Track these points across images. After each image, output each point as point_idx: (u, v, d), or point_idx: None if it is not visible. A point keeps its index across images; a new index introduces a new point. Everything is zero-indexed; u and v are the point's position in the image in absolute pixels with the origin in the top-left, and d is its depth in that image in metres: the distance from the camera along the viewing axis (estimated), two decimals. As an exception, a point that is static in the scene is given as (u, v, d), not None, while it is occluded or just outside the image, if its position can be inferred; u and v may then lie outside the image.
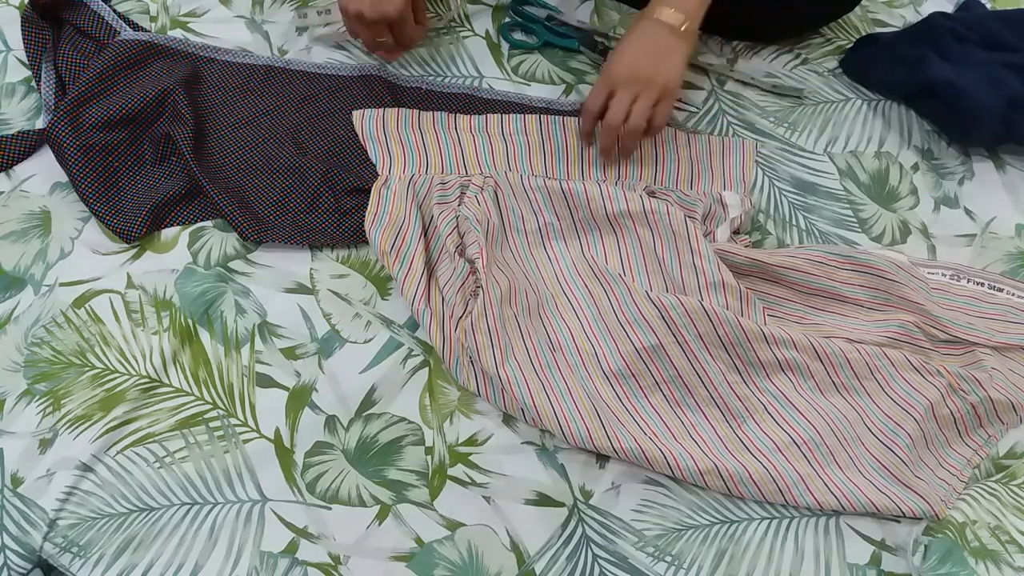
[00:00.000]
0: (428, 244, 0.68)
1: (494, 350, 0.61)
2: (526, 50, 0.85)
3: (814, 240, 0.74)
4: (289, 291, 0.67)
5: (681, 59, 0.72)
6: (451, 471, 0.61)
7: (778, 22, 0.87)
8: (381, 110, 0.75)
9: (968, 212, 0.79)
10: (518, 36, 0.86)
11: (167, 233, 0.70)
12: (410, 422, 0.62)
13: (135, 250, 0.68)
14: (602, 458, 0.62)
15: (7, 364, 0.62)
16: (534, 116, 0.76)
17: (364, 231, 0.69)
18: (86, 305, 0.65)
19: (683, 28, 0.71)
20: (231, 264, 0.68)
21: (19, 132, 0.72)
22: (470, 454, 0.62)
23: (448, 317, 0.64)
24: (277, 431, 0.61)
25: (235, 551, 0.57)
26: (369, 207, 0.69)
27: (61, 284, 0.66)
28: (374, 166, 0.73)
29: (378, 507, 0.59)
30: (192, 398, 0.62)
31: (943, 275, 0.71)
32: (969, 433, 0.65)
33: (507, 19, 0.86)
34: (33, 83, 0.77)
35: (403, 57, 0.82)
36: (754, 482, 0.59)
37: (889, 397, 0.63)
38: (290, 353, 0.64)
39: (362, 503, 0.59)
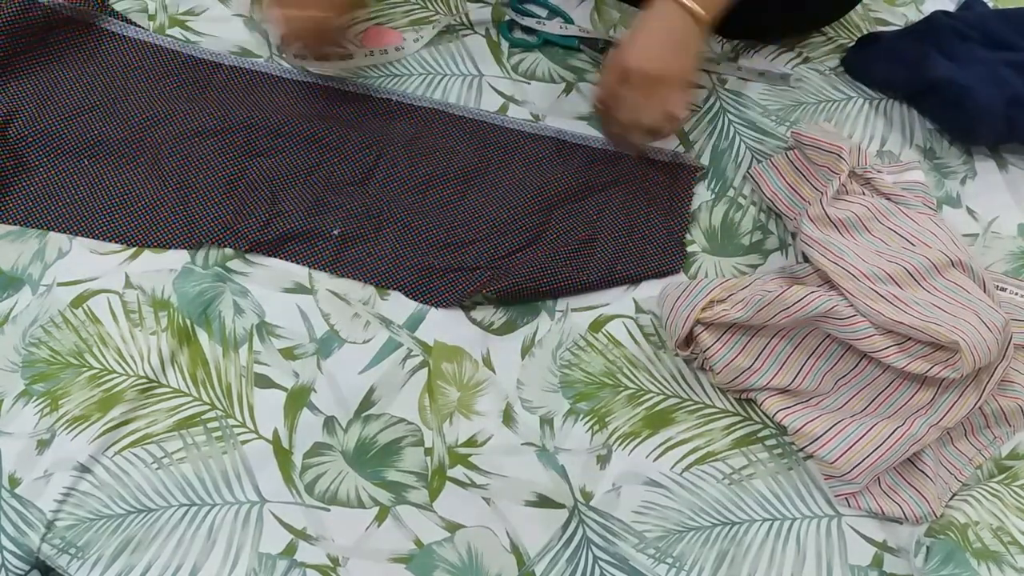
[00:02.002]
0: None
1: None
2: (526, 48, 0.85)
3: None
4: (287, 291, 0.67)
5: (697, 50, 0.70)
6: (451, 472, 0.61)
7: (779, 21, 0.86)
8: None
9: (970, 211, 0.78)
10: (518, 34, 0.86)
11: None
12: (409, 423, 0.62)
13: (133, 250, 0.68)
14: (602, 459, 0.62)
15: (5, 364, 0.62)
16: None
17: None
18: (84, 305, 0.64)
19: (704, 17, 0.68)
20: (229, 264, 0.68)
21: None
22: (470, 455, 0.61)
23: None
24: (275, 432, 0.61)
25: (233, 552, 0.56)
26: None
27: (59, 284, 0.65)
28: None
29: (377, 508, 0.59)
30: (190, 399, 0.62)
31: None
32: (974, 433, 0.65)
33: (507, 18, 0.86)
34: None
35: (402, 55, 0.82)
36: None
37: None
38: (288, 353, 0.64)
39: (361, 504, 0.59)
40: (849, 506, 0.61)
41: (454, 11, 0.86)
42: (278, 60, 0.80)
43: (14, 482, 0.57)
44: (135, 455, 0.59)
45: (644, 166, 0.76)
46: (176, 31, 0.80)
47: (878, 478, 0.61)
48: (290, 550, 0.57)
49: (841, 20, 0.92)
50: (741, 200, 0.77)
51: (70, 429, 0.59)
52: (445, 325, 0.67)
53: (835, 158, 0.71)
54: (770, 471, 0.63)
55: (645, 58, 0.68)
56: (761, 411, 0.65)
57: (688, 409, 0.65)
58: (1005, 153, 0.83)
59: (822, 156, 0.72)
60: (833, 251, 0.65)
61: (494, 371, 0.65)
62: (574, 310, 0.69)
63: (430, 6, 0.86)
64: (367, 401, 0.63)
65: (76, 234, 0.68)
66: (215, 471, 0.59)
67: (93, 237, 0.68)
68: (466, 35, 0.84)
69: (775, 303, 0.61)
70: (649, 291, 0.70)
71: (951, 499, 0.62)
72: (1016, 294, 0.70)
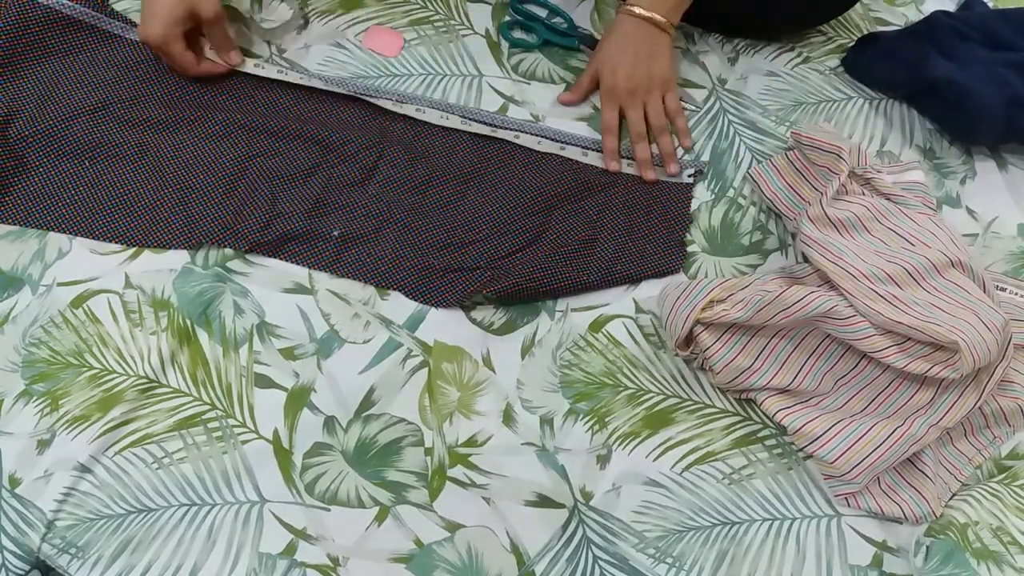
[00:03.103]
0: None
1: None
2: (526, 49, 0.85)
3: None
4: (288, 291, 0.67)
5: (669, 51, 0.76)
6: (451, 472, 0.61)
7: (779, 20, 0.86)
8: None
9: (970, 211, 0.78)
10: (518, 35, 0.86)
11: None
12: (409, 423, 0.62)
13: (133, 250, 0.68)
14: (602, 459, 0.62)
15: (5, 364, 0.62)
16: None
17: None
18: (84, 305, 0.65)
19: (665, 22, 0.74)
20: (229, 264, 0.68)
21: None
22: (470, 455, 0.61)
23: None
24: (276, 432, 0.61)
25: (234, 552, 0.56)
26: None
27: (59, 284, 0.65)
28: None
29: (377, 508, 0.59)
30: (190, 399, 0.62)
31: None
32: (974, 433, 0.65)
33: (507, 17, 0.86)
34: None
35: (403, 55, 0.82)
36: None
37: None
38: (289, 353, 0.64)
39: (361, 504, 0.59)
40: (849, 506, 0.61)
41: (454, 11, 0.86)
42: (278, 60, 0.80)
43: (14, 482, 0.57)
44: (135, 455, 0.59)
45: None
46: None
47: (878, 478, 0.62)
48: (290, 550, 0.57)
49: (841, 20, 0.92)
50: (741, 200, 0.77)
51: (70, 429, 0.59)
52: (445, 325, 0.67)
53: (835, 158, 0.71)
54: (770, 471, 0.63)
55: (627, 75, 0.74)
56: (761, 411, 0.65)
57: (688, 409, 0.65)
58: (1005, 153, 0.83)
59: (822, 156, 0.72)
60: (833, 251, 0.65)
61: (494, 371, 0.65)
62: (574, 310, 0.69)
63: (430, 6, 0.86)
64: (367, 401, 0.63)
65: (76, 234, 0.68)
66: (215, 471, 0.59)
67: (93, 237, 0.68)
68: (466, 35, 0.84)
69: (775, 303, 0.61)
70: (649, 291, 0.70)
71: (951, 499, 0.62)
72: (1016, 294, 0.70)
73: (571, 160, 0.76)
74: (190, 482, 0.59)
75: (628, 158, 0.77)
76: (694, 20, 0.88)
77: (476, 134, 0.76)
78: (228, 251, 0.68)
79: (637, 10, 0.74)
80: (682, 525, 0.60)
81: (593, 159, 0.76)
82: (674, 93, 0.78)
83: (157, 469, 0.59)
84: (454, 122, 0.76)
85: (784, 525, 0.61)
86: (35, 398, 0.60)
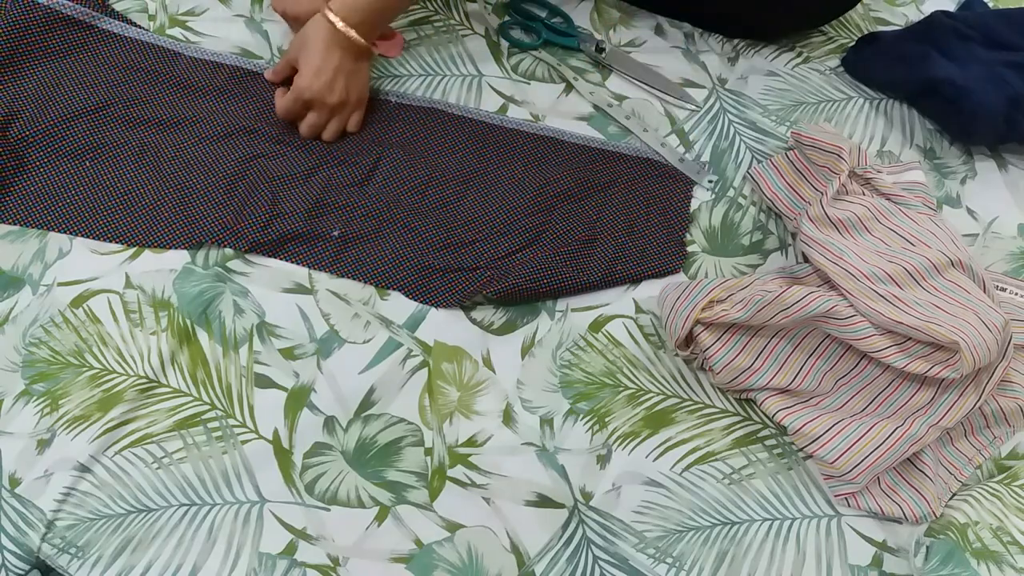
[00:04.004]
0: None
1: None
2: (526, 49, 0.85)
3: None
4: (287, 291, 0.67)
5: (367, 72, 0.75)
6: (451, 472, 0.61)
7: (779, 20, 0.86)
8: None
9: (970, 211, 0.78)
10: (518, 35, 0.86)
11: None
12: (409, 423, 0.62)
13: (133, 250, 0.68)
14: (602, 459, 0.62)
15: (5, 364, 0.62)
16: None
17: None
18: (84, 305, 0.65)
19: (364, 45, 0.72)
20: (229, 264, 0.68)
21: None
22: (470, 455, 0.61)
23: None
24: (276, 432, 0.61)
25: (233, 552, 0.56)
26: None
27: (59, 284, 0.65)
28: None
29: (377, 508, 0.59)
30: (190, 399, 0.62)
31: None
32: (974, 433, 0.65)
33: (507, 17, 0.86)
34: None
35: (403, 55, 0.82)
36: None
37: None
38: (288, 353, 0.64)
39: (361, 504, 0.59)
40: (849, 506, 0.61)
41: (454, 11, 0.86)
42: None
43: (14, 482, 0.57)
44: (135, 455, 0.59)
45: (644, 166, 0.77)
46: (176, 31, 0.80)
47: (878, 478, 0.62)
48: (290, 550, 0.57)
49: (841, 20, 0.92)
50: (741, 200, 0.77)
51: (70, 429, 0.59)
52: (445, 325, 0.67)
53: (835, 158, 0.71)
54: (770, 471, 0.63)
55: (323, 89, 0.71)
56: (761, 411, 0.65)
57: (688, 409, 0.65)
58: (1005, 153, 0.83)
59: (822, 156, 0.72)
60: (833, 251, 0.65)
61: (494, 371, 0.65)
62: (574, 310, 0.69)
63: (430, 6, 0.86)
64: (367, 401, 0.63)
65: (76, 234, 0.68)
66: (215, 471, 0.59)
67: (93, 237, 0.68)
68: (466, 35, 0.84)
69: (775, 303, 0.61)
70: (649, 291, 0.70)
71: (951, 499, 0.62)
72: (1016, 294, 0.70)
73: (571, 159, 0.76)
74: (190, 482, 0.59)
75: (628, 151, 0.77)
76: (694, 20, 0.88)
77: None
78: (228, 251, 0.68)
79: (338, 24, 0.71)
80: (682, 525, 0.60)
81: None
82: (361, 111, 0.76)
83: (157, 469, 0.59)
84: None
85: (784, 525, 0.61)
86: (35, 398, 0.60)
